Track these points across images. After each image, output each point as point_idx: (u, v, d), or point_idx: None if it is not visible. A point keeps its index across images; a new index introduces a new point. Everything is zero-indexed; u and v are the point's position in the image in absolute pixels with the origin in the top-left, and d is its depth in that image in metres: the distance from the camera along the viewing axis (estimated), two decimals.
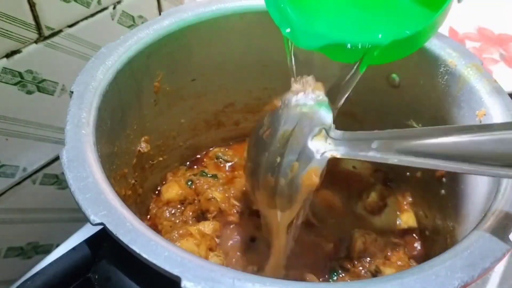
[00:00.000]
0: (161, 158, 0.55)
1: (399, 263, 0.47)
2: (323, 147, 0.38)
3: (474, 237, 0.31)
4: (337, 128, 0.40)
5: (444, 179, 0.48)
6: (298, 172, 0.38)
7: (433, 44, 0.46)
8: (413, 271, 0.28)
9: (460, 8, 0.88)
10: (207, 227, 0.49)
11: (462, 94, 0.44)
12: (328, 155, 0.38)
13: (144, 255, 0.28)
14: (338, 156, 0.37)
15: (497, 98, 0.41)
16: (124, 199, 0.44)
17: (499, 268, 0.47)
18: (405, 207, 0.55)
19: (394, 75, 0.51)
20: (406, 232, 0.52)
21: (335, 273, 0.47)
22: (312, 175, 0.38)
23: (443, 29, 0.81)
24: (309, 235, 0.51)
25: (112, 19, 0.56)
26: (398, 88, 0.51)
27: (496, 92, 0.41)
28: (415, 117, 0.51)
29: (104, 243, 0.33)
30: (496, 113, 0.40)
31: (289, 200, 0.39)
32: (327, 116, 0.39)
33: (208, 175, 0.56)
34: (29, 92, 0.50)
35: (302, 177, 0.38)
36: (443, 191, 0.48)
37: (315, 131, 0.38)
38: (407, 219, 0.54)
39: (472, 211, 0.40)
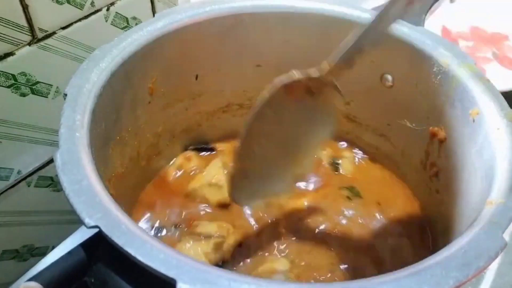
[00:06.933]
0: (156, 160, 0.55)
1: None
2: None
3: (468, 236, 0.31)
4: None
5: (439, 177, 0.48)
6: None
7: (426, 44, 0.46)
8: (409, 270, 0.29)
9: (453, 7, 0.88)
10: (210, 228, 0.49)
11: (455, 94, 0.44)
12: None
13: (140, 258, 0.28)
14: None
15: (490, 97, 0.41)
16: None
17: (494, 266, 0.47)
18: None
19: (387, 75, 0.51)
20: (400, 231, 0.53)
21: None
22: None
23: (436, 28, 0.83)
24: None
25: (106, 21, 0.56)
26: (392, 88, 0.51)
27: (489, 91, 0.42)
28: (409, 116, 0.51)
29: (100, 246, 0.32)
30: (489, 112, 0.40)
31: None
32: None
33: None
34: (23, 95, 0.50)
35: None
36: (438, 189, 0.49)
37: None
38: (400, 217, 0.54)
39: (466, 209, 0.40)
